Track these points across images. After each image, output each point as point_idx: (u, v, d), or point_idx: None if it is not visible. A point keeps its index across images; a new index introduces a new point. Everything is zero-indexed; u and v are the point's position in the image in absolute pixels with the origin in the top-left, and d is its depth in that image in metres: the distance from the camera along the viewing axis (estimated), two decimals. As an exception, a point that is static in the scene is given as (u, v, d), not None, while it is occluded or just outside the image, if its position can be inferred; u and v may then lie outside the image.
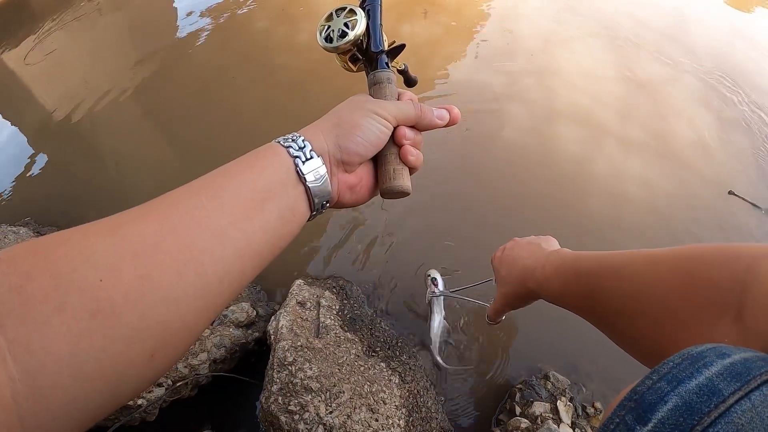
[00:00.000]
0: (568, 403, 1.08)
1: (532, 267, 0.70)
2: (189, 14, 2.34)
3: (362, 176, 0.52)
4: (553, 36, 2.27)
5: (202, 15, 2.31)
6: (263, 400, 0.92)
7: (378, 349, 1.07)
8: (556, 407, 1.06)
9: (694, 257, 0.42)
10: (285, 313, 1.03)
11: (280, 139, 0.46)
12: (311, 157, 0.45)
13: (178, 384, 0.97)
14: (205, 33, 2.21)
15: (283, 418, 0.88)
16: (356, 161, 0.49)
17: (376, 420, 0.92)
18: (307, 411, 0.88)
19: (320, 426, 0.87)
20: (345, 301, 1.15)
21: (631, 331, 0.48)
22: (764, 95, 2.12)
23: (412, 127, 0.54)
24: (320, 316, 1.07)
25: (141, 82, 1.98)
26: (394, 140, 0.52)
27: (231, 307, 1.10)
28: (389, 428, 0.92)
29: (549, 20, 2.37)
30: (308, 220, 0.48)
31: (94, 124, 1.83)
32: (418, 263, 1.31)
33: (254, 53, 2.11)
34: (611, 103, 1.93)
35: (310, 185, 0.44)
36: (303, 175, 0.44)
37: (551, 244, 0.79)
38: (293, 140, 0.45)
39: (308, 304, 1.09)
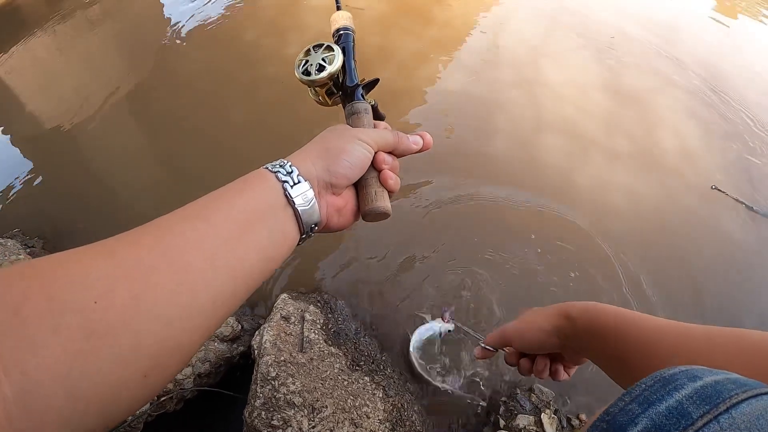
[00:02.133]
0: (553, 415, 1.09)
1: (581, 302, 0.65)
2: (178, 25, 2.35)
3: (348, 200, 0.54)
4: (542, 48, 2.29)
5: (191, 26, 2.32)
6: (247, 415, 0.92)
7: (362, 363, 1.08)
8: (540, 419, 1.07)
9: None
10: (269, 328, 1.04)
11: (269, 165, 0.47)
12: (299, 182, 0.46)
13: (163, 398, 0.97)
14: (195, 45, 2.22)
15: (266, 433, 0.88)
16: (344, 184, 0.51)
17: (359, 434, 0.93)
18: (290, 426, 0.89)
19: (303, 441, 0.87)
20: (329, 315, 1.16)
21: None
22: (750, 105, 2.14)
23: (390, 153, 0.56)
24: (304, 330, 1.07)
25: (130, 94, 1.98)
26: (373, 165, 0.54)
27: (216, 321, 1.10)
28: (372, 442, 0.93)
29: (539, 33, 2.39)
30: (298, 244, 0.49)
31: (83, 135, 1.83)
32: (404, 278, 1.32)
33: (244, 65, 2.12)
34: (598, 114, 1.95)
35: (299, 208, 0.46)
36: (291, 198, 0.45)
37: None
38: (281, 166, 0.47)
39: (293, 319, 1.09)
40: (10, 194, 1.62)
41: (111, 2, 2.61)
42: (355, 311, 1.23)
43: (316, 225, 0.49)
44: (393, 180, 0.55)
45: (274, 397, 0.92)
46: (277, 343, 1.01)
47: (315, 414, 0.91)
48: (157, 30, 2.39)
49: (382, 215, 0.55)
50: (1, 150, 1.82)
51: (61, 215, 1.53)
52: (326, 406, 0.93)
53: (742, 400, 0.28)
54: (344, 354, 1.07)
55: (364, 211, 0.54)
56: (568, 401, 1.15)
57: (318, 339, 1.07)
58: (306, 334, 1.06)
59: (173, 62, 2.15)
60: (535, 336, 0.69)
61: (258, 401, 0.92)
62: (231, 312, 0.42)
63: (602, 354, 0.60)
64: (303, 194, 0.46)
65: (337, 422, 0.92)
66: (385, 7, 2.45)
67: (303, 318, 1.10)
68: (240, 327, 1.13)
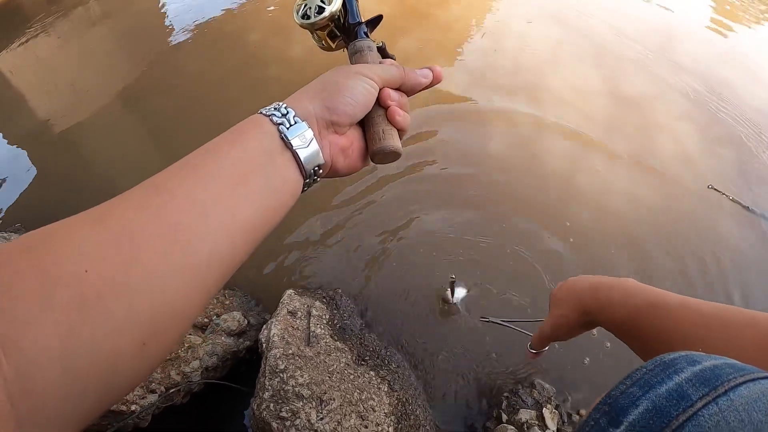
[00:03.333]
0: (554, 410, 1.11)
1: (597, 287, 0.68)
2: (180, 24, 2.36)
3: (353, 139, 0.52)
4: (543, 52, 2.31)
5: (193, 25, 2.33)
6: (255, 407, 0.94)
7: (367, 358, 1.09)
8: (542, 414, 1.09)
9: None
10: (276, 322, 1.05)
11: (263, 109, 0.45)
12: (296, 123, 0.44)
13: (171, 391, 0.98)
14: (197, 44, 2.23)
15: (274, 425, 0.89)
16: (346, 122, 0.49)
17: (366, 427, 0.94)
18: (299, 417, 0.90)
19: (311, 432, 0.89)
20: (335, 311, 1.17)
21: None
22: (749, 109, 2.17)
23: (397, 89, 0.54)
24: (311, 325, 1.09)
25: (132, 90, 1.99)
26: (379, 103, 0.52)
27: (223, 316, 1.11)
28: (378, 435, 0.94)
29: (539, 37, 2.41)
30: (304, 189, 0.47)
31: (84, 131, 1.83)
32: (409, 273, 1.33)
33: (246, 65, 2.13)
34: (598, 118, 1.97)
35: (297, 150, 0.43)
36: (288, 140, 0.43)
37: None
38: (276, 108, 0.45)
39: (299, 314, 1.11)
40: (12, 189, 1.62)
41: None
42: (360, 307, 1.24)
43: (320, 168, 0.47)
44: (401, 117, 0.52)
45: (283, 389, 0.93)
46: (285, 336, 1.02)
47: (323, 406, 0.93)
48: (157, 28, 2.40)
49: (392, 155, 0.52)
50: (2, 146, 1.82)
51: (63, 210, 1.53)
52: (333, 399, 0.95)
53: (740, 384, 0.29)
54: (350, 349, 1.09)
55: (372, 151, 0.52)
56: (569, 397, 1.17)
57: (324, 334, 1.08)
58: (312, 329, 1.08)
59: (175, 59, 2.16)
60: (569, 333, 0.75)
61: (266, 393, 0.93)
62: (231, 270, 0.40)
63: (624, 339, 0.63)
64: (301, 135, 0.44)
65: (344, 415, 0.93)
66: (387, 9, 2.46)
67: (309, 313, 1.12)
68: (246, 322, 1.14)
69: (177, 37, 2.28)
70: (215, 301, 1.17)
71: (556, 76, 2.15)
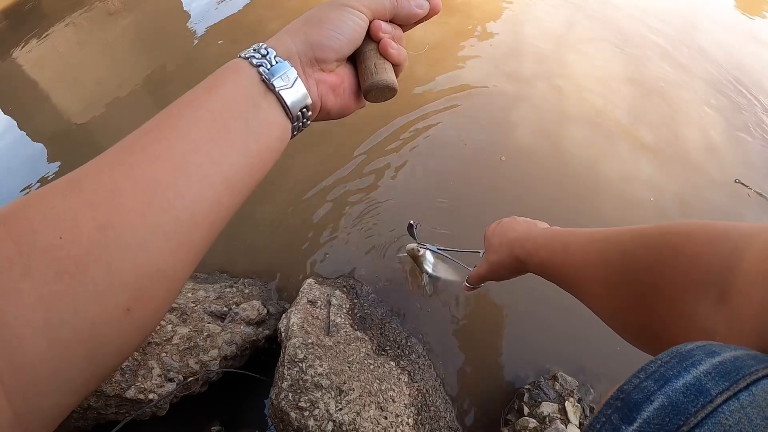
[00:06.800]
0: (576, 403, 1.08)
1: (524, 237, 0.72)
2: (199, 15, 2.36)
3: (344, 77, 0.49)
4: (564, 39, 2.27)
5: (213, 15, 2.33)
6: (273, 397, 0.93)
7: (387, 348, 1.08)
8: (564, 408, 1.07)
9: (681, 232, 0.41)
10: (296, 311, 1.04)
11: (242, 52, 0.43)
12: (277, 63, 0.42)
13: (189, 380, 0.97)
14: (217, 33, 2.23)
15: (293, 414, 0.88)
16: (332, 57, 0.46)
17: (385, 418, 0.93)
18: (317, 407, 0.89)
19: (330, 422, 0.88)
20: (355, 300, 1.16)
21: (619, 309, 0.47)
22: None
23: (391, 21, 0.51)
24: (331, 314, 1.08)
25: (153, 84, 1.99)
26: (371, 36, 0.49)
27: (242, 305, 1.11)
28: (398, 426, 0.93)
29: (560, 24, 2.37)
30: (294, 134, 0.45)
31: (105, 123, 1.84)
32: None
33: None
34: (621, 106, 1.93)
35: (280, 91, 0.41)
36: (270, 82, 0.41)
37: (545, 226, 0.83)
38: (255, 50, 0.42)
39: (319, 303, 1.10)
40: (32, 188, 1.63)
41: (131, -7, 2.63)
42: (381, 296, 1.23)
43: (308, 109, 0.44)
44: (395, 49, 0.48)
45: (302, 378, 0.92)
46: (305, 326, 1.01)
47: (342, 396, 0.92)
48: (177, 20, 2.40)
49: (386, 90, 0.49)
50: (25, 142, 1.84)
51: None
52: (353, 389, 0.93)
53: (763, 377, 0.26)
54: (370, 339, 1.08)
55: (364, 88, 0.48)
56: (592, 390, 1.15)
57: (344, 323, 1.07)
58: (332, 318, 1.07)
59: (194, 52, 2.16)
60: (503, 277, 0.81)
61: (285, 383, 0.92)
62: (219, 224, 0.38)
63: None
64: (283, 75, 0.41)
65: (364, 405, 0.92)
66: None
67: (329, 302, 1.11)
68: (266, 311, 1.13)
69: (197, 27, 2.28)
70: (234, 290, 1.17)
71: (578, 65, 2.11)
